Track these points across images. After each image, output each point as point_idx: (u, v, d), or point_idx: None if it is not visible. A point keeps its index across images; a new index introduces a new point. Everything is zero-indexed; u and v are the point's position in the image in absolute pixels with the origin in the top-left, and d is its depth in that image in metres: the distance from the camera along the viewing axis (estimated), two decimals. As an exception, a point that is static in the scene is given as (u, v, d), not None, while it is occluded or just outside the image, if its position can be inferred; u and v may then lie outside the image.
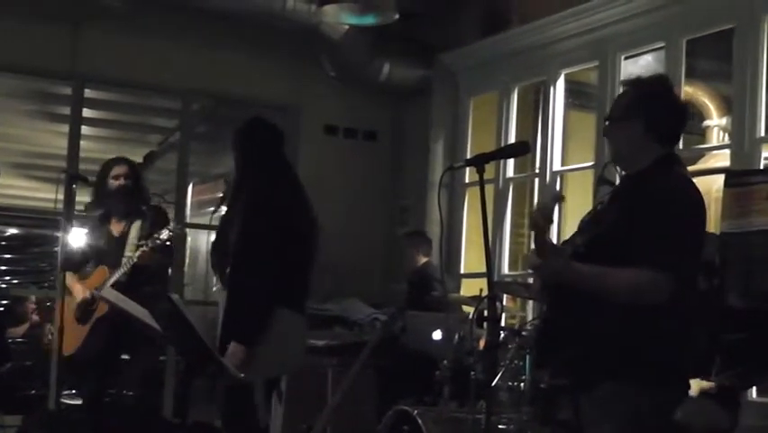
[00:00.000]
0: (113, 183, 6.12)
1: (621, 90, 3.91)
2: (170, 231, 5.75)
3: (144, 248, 5.77)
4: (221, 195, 5.25)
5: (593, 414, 3.50)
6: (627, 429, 3.43)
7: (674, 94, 3.69)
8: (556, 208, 3.49)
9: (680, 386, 3.59)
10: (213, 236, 5.34)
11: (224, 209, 5.18)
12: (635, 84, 3.74)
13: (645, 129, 3.52)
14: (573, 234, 3.66)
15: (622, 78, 6.88)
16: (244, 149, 5.01)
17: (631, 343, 3.41)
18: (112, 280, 5.80)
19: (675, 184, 3.52)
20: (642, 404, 3.41)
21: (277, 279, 4.69)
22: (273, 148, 5.02)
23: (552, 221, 3.39)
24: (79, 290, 5.97)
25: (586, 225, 3.63)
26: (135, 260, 5.80)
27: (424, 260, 7.70)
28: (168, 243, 5.80)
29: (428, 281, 7.43)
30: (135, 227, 6.02)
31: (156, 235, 5.76)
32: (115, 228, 6.12)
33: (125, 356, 6.11)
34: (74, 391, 7.97)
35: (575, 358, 3.51)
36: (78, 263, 6.15)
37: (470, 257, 8.38)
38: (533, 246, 3.46)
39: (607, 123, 3.70)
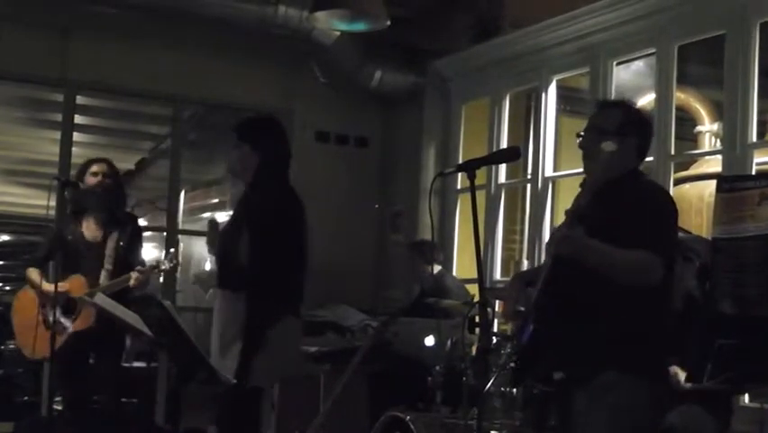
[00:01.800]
0: (90, 180, 6.04)
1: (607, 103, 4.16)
2: (163, 265, 5.92)
3: (140, 275, 5.81)
4: (215, 201, 5.16)
5: (587, 406, 3.61)
6: (620, 420, 3.55)
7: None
8: None
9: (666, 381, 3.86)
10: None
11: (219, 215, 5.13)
12: (621, 105, 3.94)
13: (638, 147, 3.82)
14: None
15: (601, 99, 6.86)
16: (264, 147, 4.71)
17: (629, 335, 3.57)
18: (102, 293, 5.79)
19: (652, 187, 3.93)
20: (637, 396, 3.56)
21: (289, 289, 4.68)
22: (288, 150, 4.88)
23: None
24: (48, 290, 5.68)
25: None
26: (133, 282, 5.81)
27: (437, 268, 7.50)
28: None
29: (444, 290, 7.30)
30: (112, 239, 5.94)
31: (155, 264, 5.90)
32: (89, 232, 6.01)
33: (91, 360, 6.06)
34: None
35: (576, 349, 3.61)
36: (43, 259, 6.08)
37: (463, 263, 8.37)
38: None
39: (595, 134, 3.78)
